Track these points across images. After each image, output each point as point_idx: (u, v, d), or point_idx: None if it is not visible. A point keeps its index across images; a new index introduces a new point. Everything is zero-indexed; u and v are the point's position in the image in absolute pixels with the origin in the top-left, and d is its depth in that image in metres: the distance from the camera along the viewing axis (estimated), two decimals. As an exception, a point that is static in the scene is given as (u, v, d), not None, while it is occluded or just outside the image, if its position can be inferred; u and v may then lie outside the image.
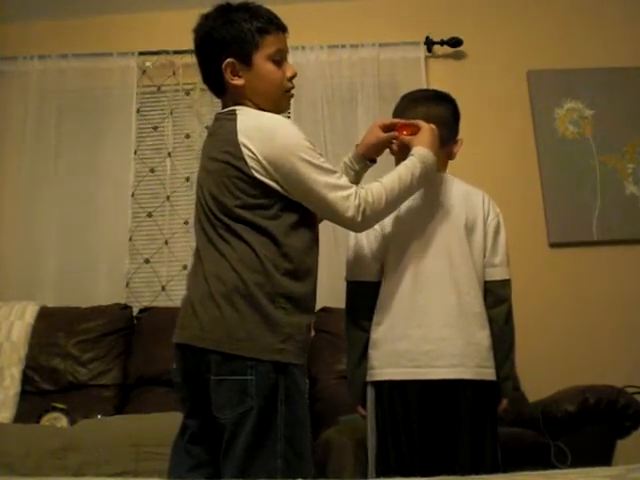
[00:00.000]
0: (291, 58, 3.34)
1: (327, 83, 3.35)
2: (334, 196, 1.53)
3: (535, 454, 2.12)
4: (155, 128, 3.38)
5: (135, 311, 3.03)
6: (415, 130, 1.73)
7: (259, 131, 1.54)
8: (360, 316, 1.80)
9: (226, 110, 1.62)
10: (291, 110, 3.33)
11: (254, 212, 1.51)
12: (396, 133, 1.76)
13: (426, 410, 1.67)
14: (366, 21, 3.47)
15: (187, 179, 3.28)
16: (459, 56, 3.48)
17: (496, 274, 1.80)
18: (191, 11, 3.51)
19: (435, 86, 3.39)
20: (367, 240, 1.81)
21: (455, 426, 1.67)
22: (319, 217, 1.65)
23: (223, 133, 1.58)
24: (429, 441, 1.67)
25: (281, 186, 1.52)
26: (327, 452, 2.10)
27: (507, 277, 1.82)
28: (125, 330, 2.91)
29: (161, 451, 1.93)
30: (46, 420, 2.40)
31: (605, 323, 3.05)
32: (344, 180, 1.58)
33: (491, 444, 1.71)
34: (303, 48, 3.38)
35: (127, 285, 3.16)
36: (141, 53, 3.40)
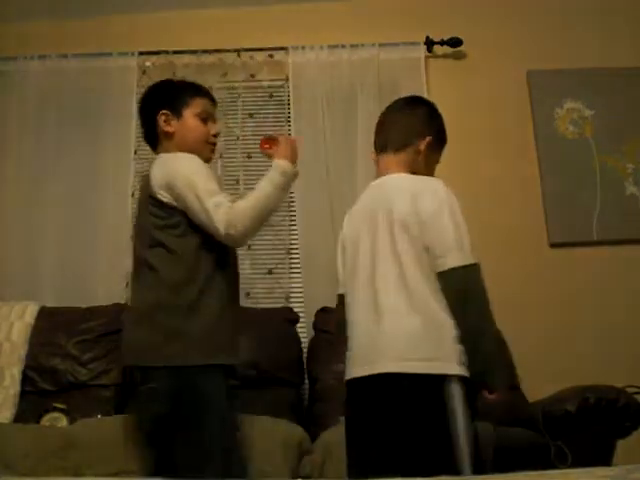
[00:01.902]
0: (291, 58, 3.39)
1: (327, 83, 3.35)
2: (209, 214, 1.73)
3: (535, 454, 2.12)
4: (155, 128, 3.38)
5: (135, 311, 3.04)
6: (276, 143, 1.90)
7: (163, 164, 1.85)
8: None
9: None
10: (291, 110, 3.34)
11: (164, 232, 1.78)
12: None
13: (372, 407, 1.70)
14: (366, 21, 3.47)
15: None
16: (459, 56, 3.48)
17: (438, 266, 1.69)
18: (191, 11, 3.51)
19: (435, 86, 3.42)
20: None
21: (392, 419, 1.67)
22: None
23: (145, 177, 1.90)
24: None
25: (178, 205, 1.77)
26: (327, 452, 2.10)
27: (454, 265, 1.67)
28: (125, 330, 2.91)
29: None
30: (46, 420, 2.40)
31: (605, 323, 3.05)
32: (220, 199, 1.75)
33: (439, 441, 1.62)
34: (303, 48, 3.38)
35: (127, 285, 3.15)
36: (141, 53, 3.40)
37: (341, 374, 2.70)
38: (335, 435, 2.19)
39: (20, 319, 2.81)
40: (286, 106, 3.38)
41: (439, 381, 1.63)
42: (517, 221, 3.23)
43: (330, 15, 3.46)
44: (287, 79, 3.39)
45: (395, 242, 1.73)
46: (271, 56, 3.40)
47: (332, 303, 2.95)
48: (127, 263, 3.15)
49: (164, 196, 1.78)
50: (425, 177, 1.83)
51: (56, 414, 2.42)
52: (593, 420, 2.19)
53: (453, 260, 1.67)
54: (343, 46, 3.39)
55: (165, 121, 1.91)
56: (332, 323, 2.87)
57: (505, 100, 3.39)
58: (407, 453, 1.62)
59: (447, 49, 3.46)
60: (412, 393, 1.65)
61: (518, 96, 3.40)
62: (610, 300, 3.11)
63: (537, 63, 3.42)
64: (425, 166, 1.88)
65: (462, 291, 1.67)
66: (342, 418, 2.34)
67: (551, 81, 3.41)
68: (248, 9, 3.44)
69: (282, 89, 3.42)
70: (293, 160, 1.87)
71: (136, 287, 1.86)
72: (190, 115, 1.92)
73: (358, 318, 1.78)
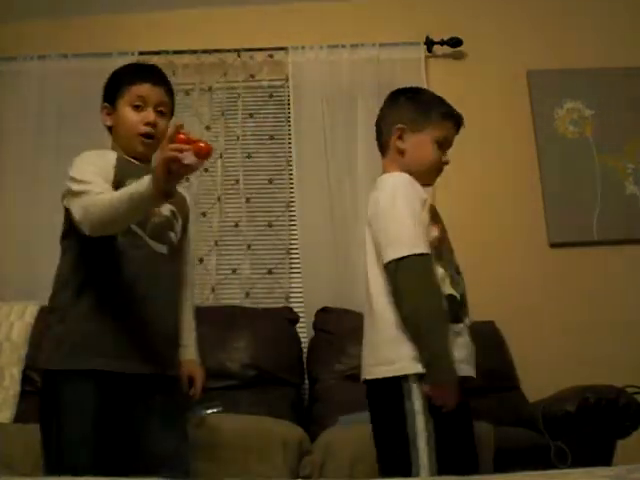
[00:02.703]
0: (291, 58, 3.39)
1: (327, 83, 3.34)
2: (71, 201, 1.69)
3: (535, 454, 2.11)
4: (155, 128, 3.38)
5: (135, 311, 3.03)
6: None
7: None
8: None
9: None
10: (291, 110, 3.34)
11: (63, 236, 1.80)
12: None
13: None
14: (366, 21, 3.47)
15: (187, 179, 3.27)
16: (459, 56, 3.48)
17: (383, 261, 1.69)
18: (191, 11, 3.52)
19: (435, 86, 3.38)
20: None
21: (374, 425, 1.73)
22: None
23: None
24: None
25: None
26: (327, 452, 2.10)
27: (390, 258, 1.65)
28: (125, 330, 2.90)
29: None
30: (46, 420, 2.39)
31: (605, 323, 3.05)
32: (87, 187, 1.64)
33: (399, 442, 1.61)
34: (303, 48, 3.38)
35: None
36: (141, 53, 3.39)
37: (341, 374, 2.72)
38: (335, 435, 2.19)
39: (20, 319, 2.81)
40: (286, 106, 3.38)
41: (396, 383, 1.63)
42: (517, 221, 3.23)
43: (330, 15, 3.46)
44: (287, 79, 3.39)
45: (370, 246, 1.75)
46: (271, 56, 3.40)
47: (332, 303, 2.98)
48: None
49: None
50: (389, 174, 1.80)
51: (56, 414, 2.41)
52: (593, 420, 2.19)
53: (387, 254, 1.66)
54: (343, 46, 3.39)
55: (107, 114, 1.82)
56: (332, 323, 2.88)
57: (505, 100, 3.39)
58: (380, 455, 1.70)
59: (447, 49, 3.46)
60: (374, 398, 1.71)
61: (518, 96, 3.40)
62: (610, 300, 3.11)
63: (537, 63, 3.42)
64: (413, 158, 1.79)
65: (394, 284, 1.64)
66: (341, 418, 2.36)
67: (551, 81, 3.41)
68: (248, 9, 3.44)
69: (282, 89, 3.42)
70: (164, 181, 1.44)
71: None
72: (123, 105, 1.78)
73: None
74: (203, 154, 1.42)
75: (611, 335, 3.04)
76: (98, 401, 1.57)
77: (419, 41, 3.41)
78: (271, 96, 3.42)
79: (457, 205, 2.94)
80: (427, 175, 1.83)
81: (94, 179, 1.65)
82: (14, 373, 2.68)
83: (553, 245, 3.23)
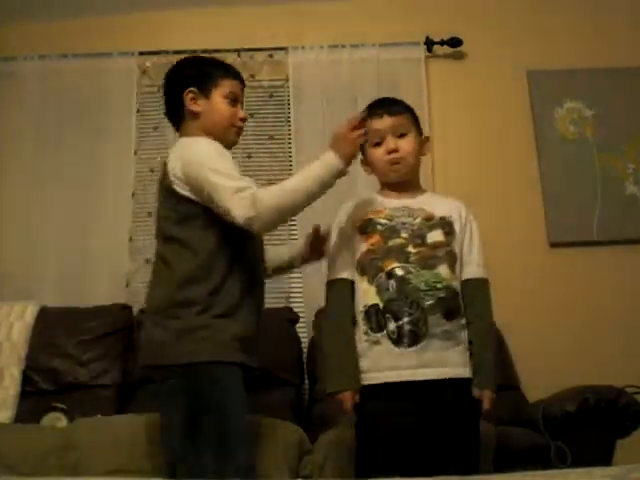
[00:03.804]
0: (291, 58, 3.39)
1: (327, 83, 3.35)
2: (228, 199, 1.62)
3: (535, 454, 2.11)
4: (155, 128, 3.38)
5: (135, 311, 3.03)
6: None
7: (180, 149, 1.76)
8: None
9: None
10: (291, 110, 3.34)
11: (180, 225, 1.70)
12: None
13: None
14: (366, 21, 3.47)
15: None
16: (459, 56, 3.48)
17: None
18: (191, 11, 3.52)
19: (435, 86, 3.42)
20: None
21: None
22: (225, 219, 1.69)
23: (163, 163, 1.81)
24: None
25: (195, 196, 1.69)
26: (327, 452, 2.10)
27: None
28: (125, 330, 2.90)
29: (158, 451, 1.92)
30: (46, 420, 2.39)
31: (605, 323, 3.05)
32: (241, 184, 1.66)
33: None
34: (303, 48, 3.38)
35: (127, 285, 3.15)
36: (141, 53, 3.40)
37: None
38: (335, 435, 2.19)
39: (20, 319, 2.81)
40: (286, 106, 3.38)
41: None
42: (517, 221, 3.23)
43: (330, 15, 3.46)
44: (287, 79, 3.39)
45: None
46: (271, 56, 3.40)
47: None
48: (127, 263, 3.18)
49: (180, 187, 1.70)
50: None
51: (56, 414, 2.42)
52: (593, 420, 2.19)
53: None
54: (343, 46, 3.39)
55: (192, 99, 1.82)
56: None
57: (505, 100, 3.39)
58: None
59: (447, 49, 3.46)
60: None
61: (518, 96, 3.40)
62: (610, 300, 3.11)
63: (537, 63, 3.42)
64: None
65: None
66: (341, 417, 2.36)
67: (551, 81, 3.40)
68: (248, 9, 3.44)
69: (282, 89, 3.42)
70: (345, 155, 1.70)
71: (151, 283, 1.79)
72: (218, 95, 1.83)
73: None
74: None
75: (611, 335, 3.04)
76: (242, 389, 1.69)
77: (419, 41, 3.41)
78: (271, 96, 3.43)
79: (457, 205, 2.94)
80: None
81: (237, 173, 1.70)
82: (14, 373, 2.68)
83: (553, 245, 3.23)
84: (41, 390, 2.71)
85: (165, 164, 1.77)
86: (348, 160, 1.70)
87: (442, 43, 3.43)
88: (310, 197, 1.70)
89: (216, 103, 1.83)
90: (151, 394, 1.73)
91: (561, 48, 3.43)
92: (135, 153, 3.31)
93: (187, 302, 1.66)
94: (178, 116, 1.87)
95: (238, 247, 1.73)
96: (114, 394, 2.75)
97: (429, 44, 3.42)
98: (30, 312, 2.84)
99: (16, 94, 3.36)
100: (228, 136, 1.85)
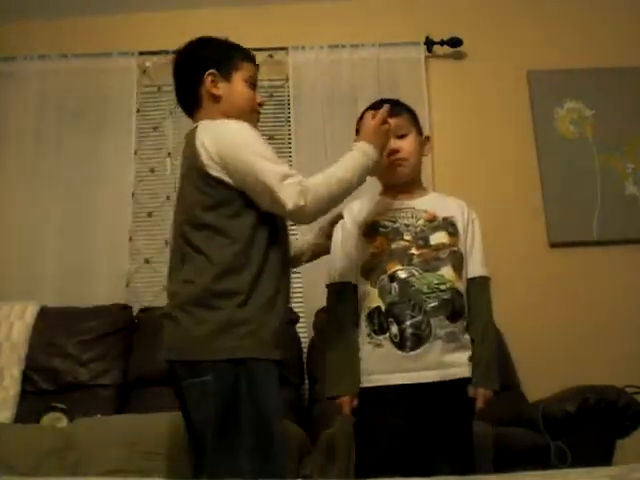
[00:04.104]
0: (291, 58, 3.39)
1: (327, 83, 3.35)
2: (275, 187, 1.55)
3: (535, 454, 2.11)
4: (155, 128, 3.38)
5: (135, 311, 3.03)
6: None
7: (211, 131, 1.64)
8: None
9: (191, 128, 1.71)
10: (291, 110, 3.34)
11: (214, 211, 1.59)
12: None
13: None
14: (366, 21, 3.47)
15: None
16: (459, 56, 3.48)
17: None
18: (191, 11, 3.52)
19: (435, 86, 3.42)
20: None
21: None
22: (264, 208, 1.62)
23: (188, 145, 1.69)
24: None
25: (233, 180, 1.59)
26: (327, 452, 2.10)
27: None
28: (125, 330, 2.91)
29: (158, 451, 1.93)
30: (46, 420, 2.39)
31: (605, 323, 3.05)
32: (287, 171, 1.59)
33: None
34: (303, 48, 3.39)
35: (127, 285, 3.15)
36: (141, 53, 3.40)
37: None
38: (335, 435, 2.19)
39: (20, 319, 2.81)
40: (286, 106, 3.38)
41: None
42: (517, 221, 3.23)
43: (330, 15, 3.46)
44: (287, 79, 3.39)
45: None
46: (271, 56, 3.40)
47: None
48: (127, 263, 3.18)
49: (215, 169, 1.58)
50: None
51: (56, 414, 2.42)
52: (593, 420, 2.19)
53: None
54: (343, 46, 3.39)
55: (212, 82, 1.71)
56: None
57: (505, 100, 3.39)
58: None
59: (447, 49, 3.46)
60: None
61: (518, 96, 3.40)
62: (610, 300, 3.11)
63: (537, 63, 3.42)
64: None
65: None
66: (340, 417, 2.36)
67: (551, 81, 3.41)
68: (248, 9, 3.44)
69: (282, 89, 3.42)
70: (380, 147, 1.72)
71: (178, 274, 1.63)
72: (239, 79, 1.74)
73: None
74: None
75: (611, 335, 3.04)
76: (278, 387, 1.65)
77: (419, 41, 3.42)
78: (271, 96, 3.43)
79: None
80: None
81: (277, 158, 1.64)
82: (14, 373, 2.68)
83: (553, 245, 3.23)
84: (41, 390, 2.72)
85: (192, 147, 1.64)
86: (381, 152, 1.73)
87: (442, 43, 3.43)
88: (352, 188, 1.66)
89: (237, 86, 1.73)
90: (174, 391, 1.62)
91: (561, 48, 3.43)
92: (135, 153, 3.31)
93: (228, 293, 1.55)
94: (194, 100, 1.74)
95: (272, 234, 1.64)
96: (114, 394, 2.76)
97: (429, 44, 3.42)
98: (30, 312, 2.84)
99: (16, 94, 3.36)
100: (251, 121, 1.72)
